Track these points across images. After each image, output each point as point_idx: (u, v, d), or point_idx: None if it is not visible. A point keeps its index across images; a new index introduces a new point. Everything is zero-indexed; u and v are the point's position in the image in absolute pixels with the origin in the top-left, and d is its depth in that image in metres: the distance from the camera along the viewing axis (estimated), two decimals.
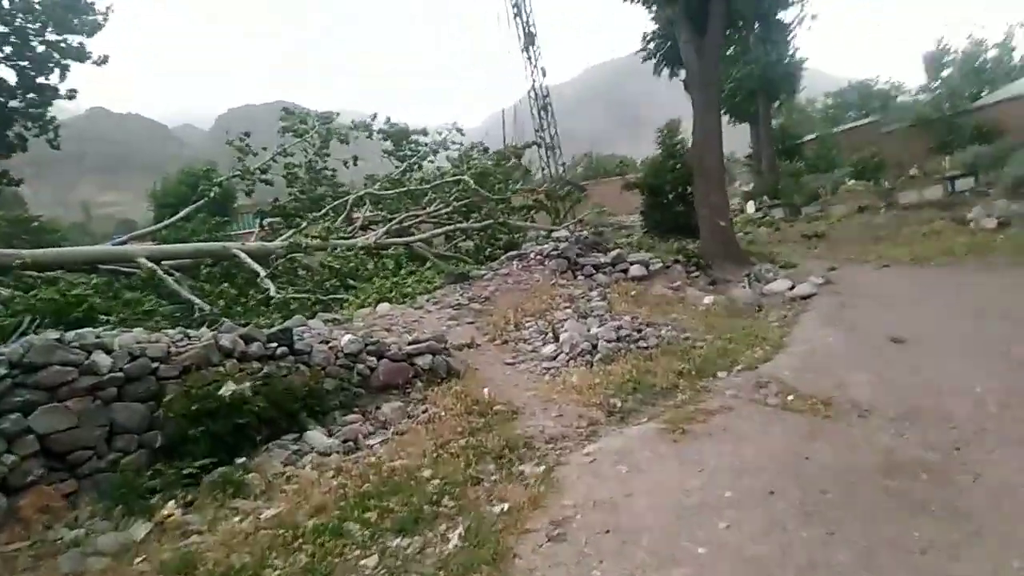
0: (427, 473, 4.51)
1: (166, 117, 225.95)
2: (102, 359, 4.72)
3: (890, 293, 9.80)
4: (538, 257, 11.11)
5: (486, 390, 6.21)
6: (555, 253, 11.05)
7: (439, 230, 15.00)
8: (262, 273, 11.27)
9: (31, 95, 14.28)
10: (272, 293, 10.65)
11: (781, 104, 30.28)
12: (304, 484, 4.46)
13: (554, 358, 7.48)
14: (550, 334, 8.22)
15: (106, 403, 4.66)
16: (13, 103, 14.18)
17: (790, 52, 25.92)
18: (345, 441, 5.26)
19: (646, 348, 7.69)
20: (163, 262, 11.72)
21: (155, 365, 4.97)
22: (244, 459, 4.74)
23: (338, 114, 17.94)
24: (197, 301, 10.57)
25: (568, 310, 9.06)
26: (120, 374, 4.78)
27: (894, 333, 7.41)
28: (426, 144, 18.33)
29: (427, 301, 9.49)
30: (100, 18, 15.33)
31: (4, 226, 35.24)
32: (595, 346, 7.58)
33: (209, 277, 12.02)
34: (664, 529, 3.68)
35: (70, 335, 4.79)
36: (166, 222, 14.27)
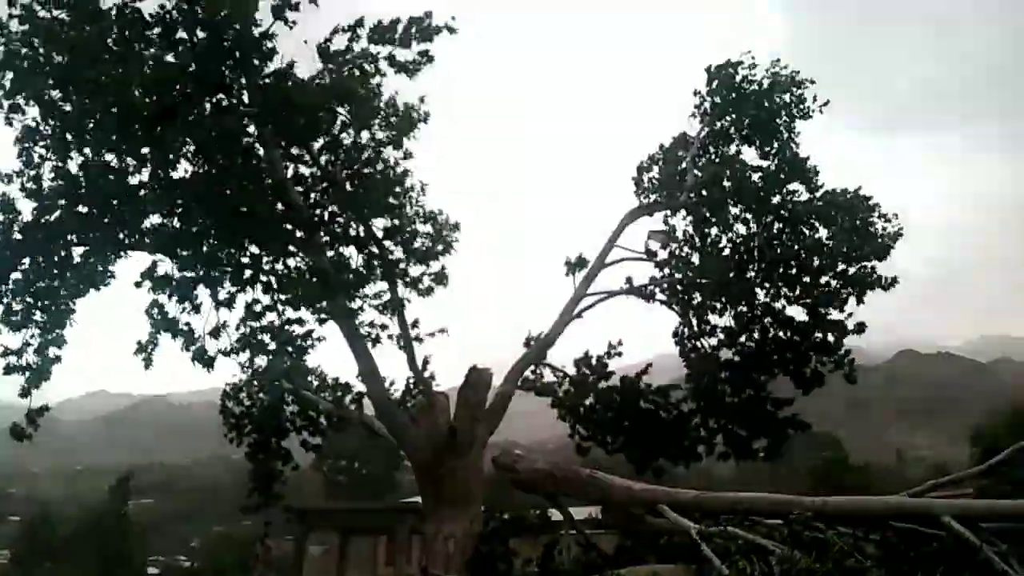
0: None
1: (979, 351, 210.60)
2: None
3: None
4: None
5: None
6: None
7: None
8: None
9: (821, 334, 14.31)
10: None
11: None
12: None
13: None
14: None
15: None
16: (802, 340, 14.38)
17: None
18: None
19: None
20: (982, 524, 8.71)
21: None
22: None
23: None
24: None
25: None
26: None
27: None
28: None
29: None
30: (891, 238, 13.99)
31: (822, 470, 37.55)
32: None
33: None
34: None
35: None
36: (976, 468, 11.02)
